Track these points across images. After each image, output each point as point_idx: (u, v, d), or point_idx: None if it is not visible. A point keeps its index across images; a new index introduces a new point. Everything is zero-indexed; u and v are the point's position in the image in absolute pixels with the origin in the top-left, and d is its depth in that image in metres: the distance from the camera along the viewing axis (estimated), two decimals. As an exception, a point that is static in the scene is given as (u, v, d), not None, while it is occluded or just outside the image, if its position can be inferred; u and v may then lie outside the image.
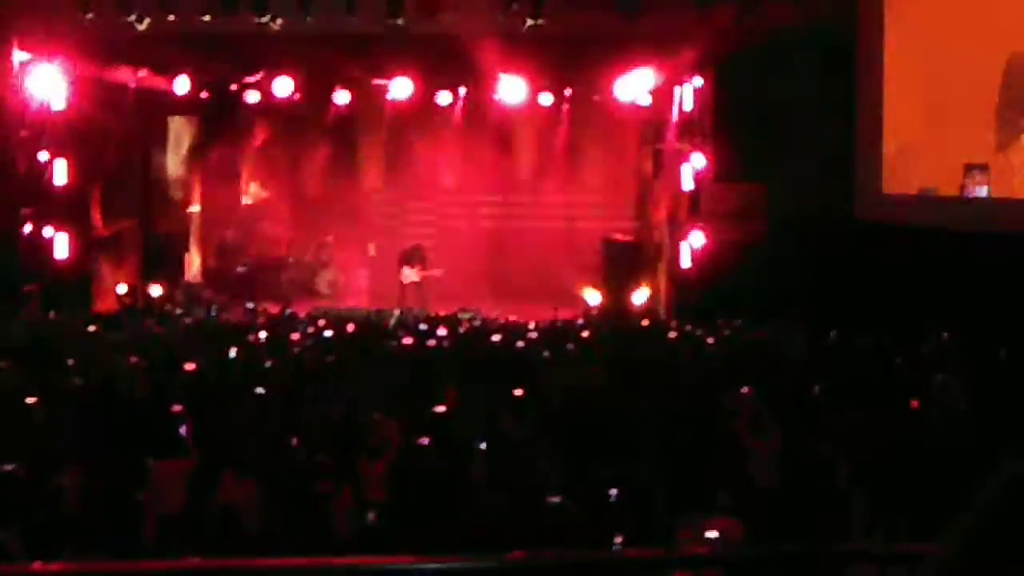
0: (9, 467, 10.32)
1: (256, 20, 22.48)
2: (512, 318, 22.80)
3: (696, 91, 24.12)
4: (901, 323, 18.20)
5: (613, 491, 9.94)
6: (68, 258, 23.40)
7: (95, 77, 23.62)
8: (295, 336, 19.08)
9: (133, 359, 15.94)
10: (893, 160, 21.49)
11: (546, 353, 17.22)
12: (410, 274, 27.21)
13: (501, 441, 11.86)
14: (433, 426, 12.38)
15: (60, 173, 23.16)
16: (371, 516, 9.99)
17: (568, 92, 27.38)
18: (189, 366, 15.62)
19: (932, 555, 1.79)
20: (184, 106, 26.91)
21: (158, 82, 25.65)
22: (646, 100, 26.30)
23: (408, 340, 18.47)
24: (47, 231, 23.18)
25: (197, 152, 28.77)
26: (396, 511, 10.23)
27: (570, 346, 18.05)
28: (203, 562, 7.40)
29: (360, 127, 28.71)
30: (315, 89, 26.88)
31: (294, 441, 11.67)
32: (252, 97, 27.07)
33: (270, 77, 26.06)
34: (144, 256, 26.89)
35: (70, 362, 15.79)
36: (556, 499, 9.31)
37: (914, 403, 13.65)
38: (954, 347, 16.62)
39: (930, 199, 20.31)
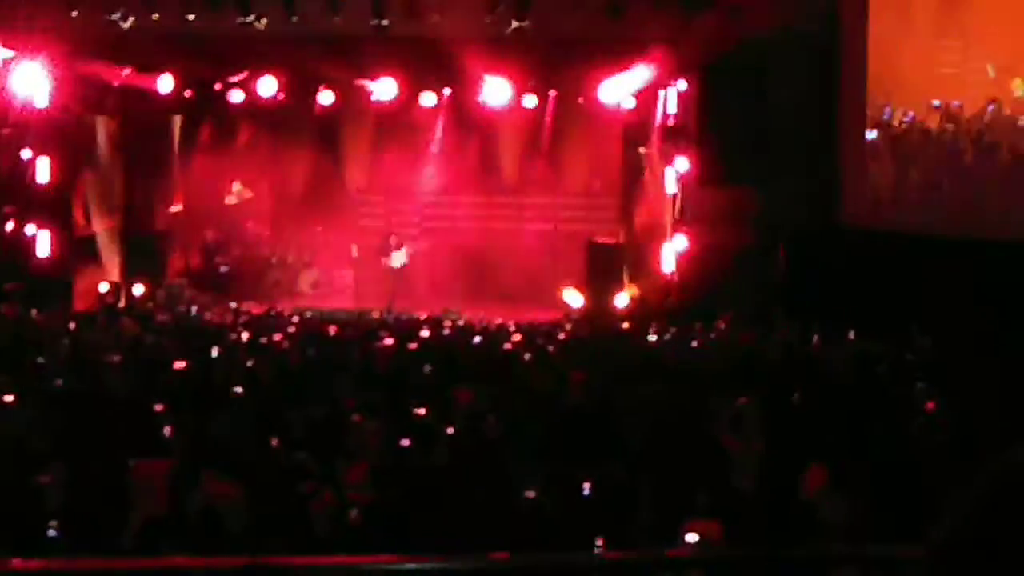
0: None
1: (240, 20, 22.48)
2: (497, 320, 22.81)
3: (680, 94, 24.17)
4: (885, 329, 18.25)
5: (586, 485, 9.99)
6: (50, 256, 23.36)
7: (78, 75, 23.58)
8: (277, 336, 19.06)
9: (115, 358, 15.93)
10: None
11: (528, 355, 17.25)
12: (398, 256, 27.21)
13: (479, 440, 11.88)
14: (414, 428, 12.41)
15: (42, 171, 23.12)
16: (353, 515, 10.00)
17: (552, 94, 27.41)
18: (179, 365, 15.59)
19: (931, 540, 1.80)
20: (168, 105, 26.85)
21: (142, 81, 25.61)
22: (630, 103, 26.35)
23: (390, 341, 18.48)
24: (29, 229, 23.14)
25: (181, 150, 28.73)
26: (377, 512, 10.25)
27: (551, 348, 18.08)
28: (185, 561, 7.40)
29: (344, 127, 28.69)
30: (299, 89, 26.86)
31: (275, 441, 11.68)
32: (236, 96, 27.04)
33: (254, 76, 26.04)
34: (126, 255, 26.83)
35: (51, 361, 15.76)
36: (530, 495, 9.35)
37: (896, 409, 13.72)
38: (938, 354, 16.67)
39: (917, 204, 20.39)
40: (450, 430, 12.31)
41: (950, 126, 20.25)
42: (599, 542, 9.01)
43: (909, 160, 21.08)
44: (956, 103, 20.07)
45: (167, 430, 11.94)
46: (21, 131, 22.94)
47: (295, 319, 22.72)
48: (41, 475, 10.00)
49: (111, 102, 25.32)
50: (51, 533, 8.94)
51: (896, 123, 21.26)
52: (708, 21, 23.03)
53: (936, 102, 20.51)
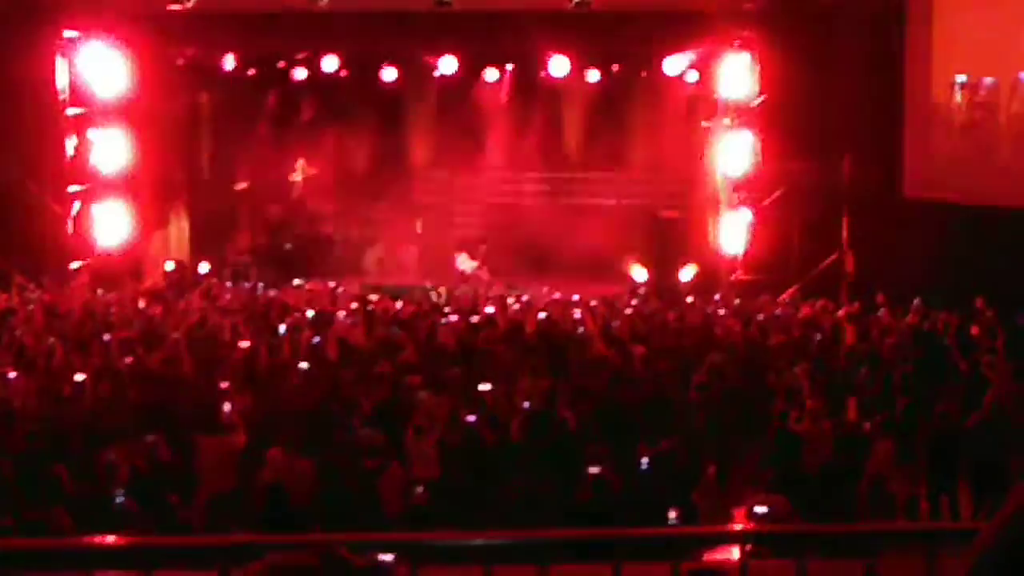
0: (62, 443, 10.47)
1: (303, -3, 22.54)
2: (558, 295, 22.76)
3: (744, 68, 23.99)
4: (950, 301, 18.09)
5: (644, 459, 10.00)
6: (116, 236, 23.54)
7: (144, 55, 23.71)
8: (342, 313, 19.13)
9: (181, 337, 16.06)
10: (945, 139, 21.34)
11: (592, 330, 17.22)
12: (466, 263, 27.45)
13: (546, 415, 11.90)
14: (479, 403, 12.44)
15: (109, 151, 23.29)
16: (419, 491, 10.06)
17: (615, 69, 27.28)
18: (244, 343, 15.69)
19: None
20: (232, 83, 26.97)
21: (206, 59, 25.76)
22: (693, 77, 26.21)
23: (454, 318, 18.51)
24: (96, 209, 23.32)
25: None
26: (443, 487, 10.30)
27: (616, 323, 18.06)
28: (251, 536, 7.47)
29: (407, 104, 28.70)
30: (362, 66, 26.92)
31: (342, 417, 11.76)
32: (300, 74, 27.16)
33: (317, 54, 26.12)
34: (192, 233, 27.01)
35: (119, 339, 15.90)
36: (596, 470, 9.36)
37: (961, 383, 13.61)
38: (1004, 327, 16.51)
39: (981, 175, 20.13)
40: (515, 406, 12.34)
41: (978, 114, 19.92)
42: (672, 514, 9.01)
43: (972, 131, 20.79)
44: (989, 80, 19.70)
45: (234, 407, 12.04)
46: (87, 112, 23.12)
47: (360, 296, 22.78)
48: (111, 452, 10.13)
49: (176, 81, 25.41)
50: (119, 508, 9.06)
51: (959, 93, 20.95)
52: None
53: (961, 77, 20.21)
